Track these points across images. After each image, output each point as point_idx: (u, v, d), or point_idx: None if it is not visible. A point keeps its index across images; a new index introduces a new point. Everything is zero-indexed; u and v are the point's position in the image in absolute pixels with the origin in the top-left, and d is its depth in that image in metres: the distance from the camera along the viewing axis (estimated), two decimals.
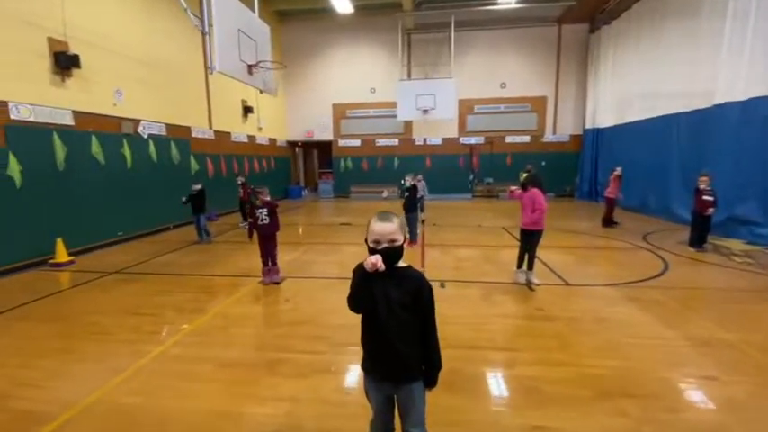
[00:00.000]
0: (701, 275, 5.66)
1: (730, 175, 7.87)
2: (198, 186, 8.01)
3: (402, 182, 7.52)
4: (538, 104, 16.20)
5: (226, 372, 3.16)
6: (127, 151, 8.28)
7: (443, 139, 16.90)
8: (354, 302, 1.72)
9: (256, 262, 5.48)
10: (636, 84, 12.15)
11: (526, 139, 16.44)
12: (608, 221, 9.42)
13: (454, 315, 4.16)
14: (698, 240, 7.06)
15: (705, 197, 6.94)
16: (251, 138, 14.06)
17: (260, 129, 14.78)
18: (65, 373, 3.20)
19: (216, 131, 11.74)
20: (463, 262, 6.40)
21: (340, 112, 17.28)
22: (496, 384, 2.94)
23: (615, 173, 9.60)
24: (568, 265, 6.14)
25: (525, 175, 9.96)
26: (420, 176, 10.18)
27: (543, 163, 15.96)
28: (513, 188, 5.16)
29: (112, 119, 7.98)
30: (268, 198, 5.45)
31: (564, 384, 2.89)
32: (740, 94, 7.86)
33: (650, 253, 6.88)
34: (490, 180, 16.77)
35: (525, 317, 4.14)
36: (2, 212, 5.89)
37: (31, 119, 6.38)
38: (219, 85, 11.77)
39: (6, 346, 3.68)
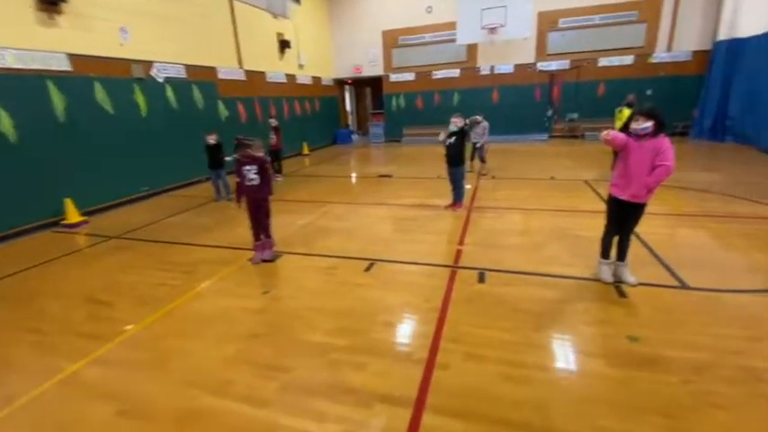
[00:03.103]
0: None
1: None
2: (212, 138, 7.03)
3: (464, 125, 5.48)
4: (649, 11, 12.19)
5: (118, 428, 2.16)
6: (140, 98, 7.50)
7: (516, 65, 13.87)
8: None
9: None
10: None
11: (627, 60, 12.74)
12: None
13: (483, 339, 2.67)
14: None
15: None
16: (290, 77, 12.72)
17: (301, 66, 13.32)
18: None
19: (247, 71, 10.56)
20: (522, 237, 4.69)
21: (391, 40, 14.94)
22: None
23: None
24: (686, 248, 4.12)
25: (625, 109, 7.35)
26: (479, 117, 8.14)
27: (649, 92, 12.40)
28: (631, 127, 3.11)
29: (119, 61, 7.12)
30: (261, 153, 4.19)
31: None
32: None
33: None
34: (574, 116, 13.68)
35: (608, 354, 2.50)
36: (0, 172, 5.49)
37: (19, 66, 5.69)
38: (249, 17, 10.36)
39: None
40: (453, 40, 12.46)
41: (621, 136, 3.03)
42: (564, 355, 2.54)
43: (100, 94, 6.76)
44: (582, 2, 12.60)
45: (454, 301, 3.24)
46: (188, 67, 8.58)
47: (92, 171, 6.66)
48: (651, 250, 4.04)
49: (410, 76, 15.17)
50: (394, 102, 15.64)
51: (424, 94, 15.15)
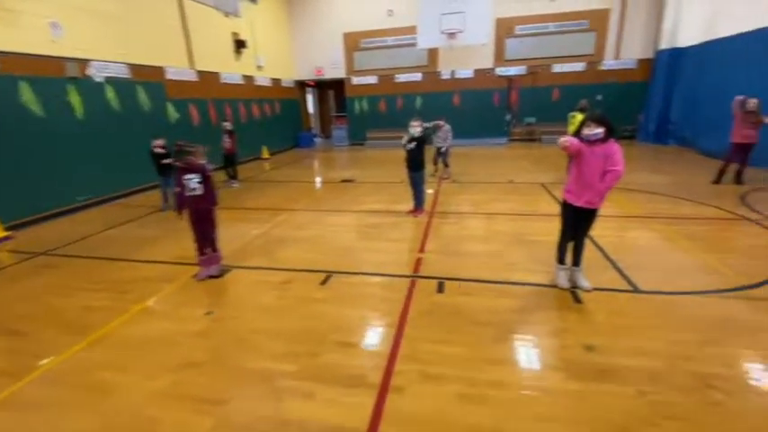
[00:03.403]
0: None
1: None
2: (159, 143, 6.51)
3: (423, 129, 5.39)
4: (598, 20, 12.81)
5: None
6: (75, 99, 6.86)
7: (475, 70, 14.13)
8: None
9: (219, 236, 4.03)
10: None
11: (579, 66, 13.32)
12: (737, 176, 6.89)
13: (440, 356, 2.54)
14: None
15: None
16: (248, 78, 12.23)
17: (259, 67, 12.85)
18: None
19: (200, 72, 10.02)
20: (482, 243, 4.65)
21: (353, 42, 14.79)
22: None
23: (747, 106, 6.44)
24: (637, 251, 4.23)
25: (578, 113, 7.57)
26: (441, 121, 8.12)
27: (599, 97, 13.00)
28: (583, 133, 3.07)
29: (50, 60, 6.47)
30: (204, 161, 3.86)
31: None
32: None
33: (760, 228, 4.73)
34: (532, 120, 14.11)
35: (566, 367, 2.45)
36: None
37: None
38: (200, 15, 9.82)
39: None
40: (414, 45, 12.48)
41: (577, 142, 3.02)
42: (522, 369, 2.46)
43: (26, 94, 6.10)
44: (536, 10, 13.04)
45: (412, 314, 3.10)
46: (132, 67, 7.98)
47: (17, 179, 5.98)
48: (604, 253, 4.11)
49: (373, 80, 15.07)
50: (357, 105, 15.47)
51: (387, 97, 15.10)
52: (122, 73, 7.79)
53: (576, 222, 3.29)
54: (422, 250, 4.40)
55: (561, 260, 3.45)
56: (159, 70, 8.74)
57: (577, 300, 3.21)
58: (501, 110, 14.27)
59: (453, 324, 2.93)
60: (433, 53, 14.19)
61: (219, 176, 9.10)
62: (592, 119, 3.04)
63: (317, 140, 17.38)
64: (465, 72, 14.24)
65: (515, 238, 4.69)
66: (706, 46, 10.20)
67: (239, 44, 11.62)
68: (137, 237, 5.45)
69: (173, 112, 9.09)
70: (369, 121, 15.47)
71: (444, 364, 2.48)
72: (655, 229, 4.84)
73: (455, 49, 12.48)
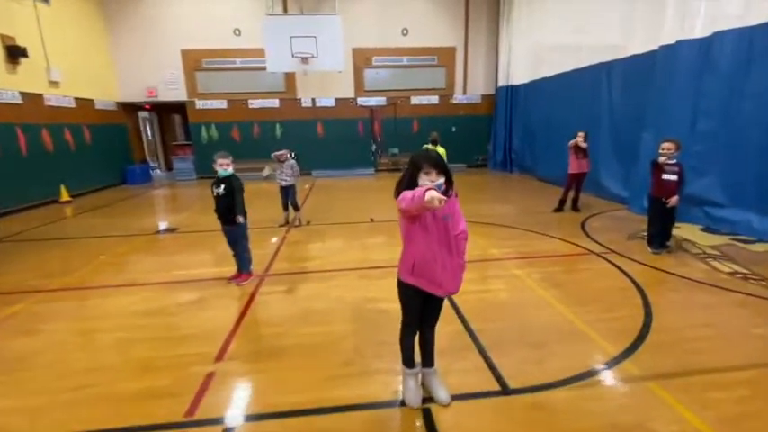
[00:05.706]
0: (709, 317, 3.43)
1: (683, 140, 5.91)
2: None
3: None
4: (446, 57, 13.52)
5: None
6: None
7: (336, 99, 13.48)
8: None
9: None
10: (556, 31, 9.99)
11: (434, 99, 13.80)
12: (574, 203, 7.31)
13: None
14: (659, 238, 4.99)
15: (666, 176, 4.80)
16: (31, 97, 9.09)
17: (53, 83, 9.79)
18: None
19: None
20: (314, 324, 3.38)
21: (193, 61, 12.70)
22: None
23: (576, 140, 6.83)
24: (497, 313, 3.51)
25: (430, 146, 7.21)
26: (285, 151, 6.83)
27: (453, 129, 13.60)
28: (421, 185, 1.98)
29: None
30: None
31: None
32: (699, 30, 5.82)
33: (606, 263, 4.62)
34: (395, 151, 13.99)
35: None
36: None
37: None
38: None
39: None
40: (264, 68, 11.16)
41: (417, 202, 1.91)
42: None
43: None
44: (390, 43, 13.13)
45: None
46: None
47: None
48: (465, 323, 3.28)
49: (221, 104, 13.14)
50: (204, 132, 13.24)
51: (241, 124, 13.31)
52: None
53: (425, 308, 2.28)
54: (221, 356, 2.90)
55: (408, 362, 2.38)
56: None
57: (432, 428, 2.15)
58: (366, 140, 13.84)
59: None
60: (290, 79, 13.09)
61: None
62: (432, 165, 2.02)
63: (157, 174, 14.39)
64: (326, 101, 13.46)
65: (360, 310, 3.58)
66: (533, 84, 11.37)
67: (13, 52, 8.57)
68: None
69: None
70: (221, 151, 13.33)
71: None
72: (514, 275, 4.33)
73: (310, 74, 11.61)
